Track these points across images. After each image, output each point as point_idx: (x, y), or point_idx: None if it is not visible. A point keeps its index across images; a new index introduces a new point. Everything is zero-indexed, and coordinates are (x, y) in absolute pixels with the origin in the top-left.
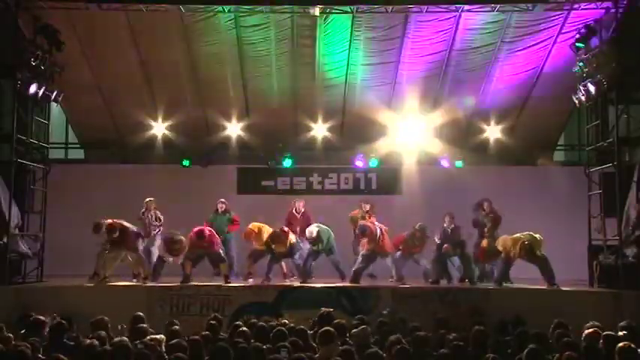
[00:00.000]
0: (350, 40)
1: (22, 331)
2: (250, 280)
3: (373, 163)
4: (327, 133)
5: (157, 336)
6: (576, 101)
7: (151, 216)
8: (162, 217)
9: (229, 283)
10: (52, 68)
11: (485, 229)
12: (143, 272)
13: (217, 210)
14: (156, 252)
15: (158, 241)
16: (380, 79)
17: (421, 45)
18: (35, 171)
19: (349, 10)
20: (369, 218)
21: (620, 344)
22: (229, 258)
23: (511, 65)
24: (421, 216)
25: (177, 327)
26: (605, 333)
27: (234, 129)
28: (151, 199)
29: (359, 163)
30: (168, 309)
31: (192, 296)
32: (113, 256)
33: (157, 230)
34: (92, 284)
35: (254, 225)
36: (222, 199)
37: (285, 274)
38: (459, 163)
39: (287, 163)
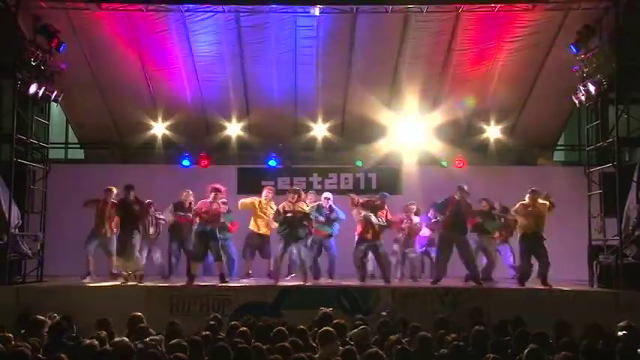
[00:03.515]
0: (350, 40)
1: (22, 331)
2: (247, 279)
3: (358, 163)
4: (327, 133)
5: (157, 336)
6: (576, 101)
7: (151, 218)
8: (162, 217)
9: (226, 282)
10: (52, 68)
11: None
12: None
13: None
14: (158, 253)
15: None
16: (380, 79)
17: (421, 45)
18: (35, 171)
19: (349, 10)
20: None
21: (620, 344)
22: (228, 259)
23: (510, 65)
24: None
25: (177, 327)
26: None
27: (234, 129)
28: (149, 201)
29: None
30: (168, 309)
31: (192, 296)
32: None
33: (158, 232)
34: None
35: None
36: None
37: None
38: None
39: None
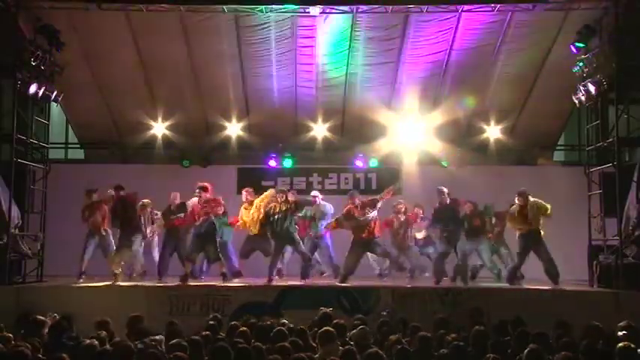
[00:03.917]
0: (350, 40)
1: (22, 331)
2: (237, 280)
3: (373, 163)
4: (327, 133)
5: (157, 336)
6: (576, 101)
7: (148, 218)
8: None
9: (227, 281)
10: (52, 68)
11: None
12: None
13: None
14: (156, 254)
15: (157, 243)
16: (380, 79)
17: (421, 45)
18: (35, 171)
19: (349, 10)
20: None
21: (620, 344)
22: (227, 260)
23: (510, 65)
24: None
25: (177, 327)
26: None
27: (234, 129)
28: (147, 201)
29: (359, 163)
30: (168, 309)
31: (192, 296)
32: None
33: (155, 232)
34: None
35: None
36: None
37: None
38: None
39: (287, 163)
